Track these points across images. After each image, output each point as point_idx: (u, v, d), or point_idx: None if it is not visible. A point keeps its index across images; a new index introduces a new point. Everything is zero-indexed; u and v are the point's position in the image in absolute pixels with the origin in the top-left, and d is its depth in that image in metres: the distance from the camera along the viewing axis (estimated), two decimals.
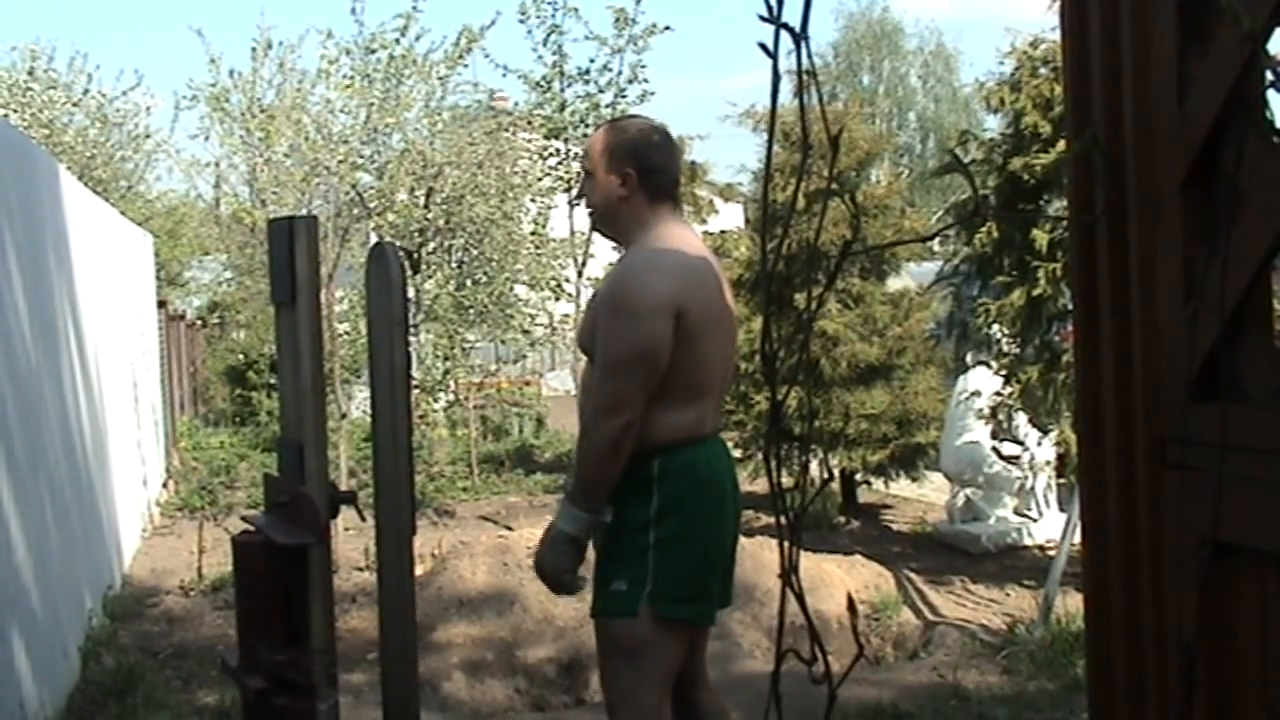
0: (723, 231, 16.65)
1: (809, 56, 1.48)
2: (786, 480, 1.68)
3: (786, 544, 1.62)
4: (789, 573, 1.63)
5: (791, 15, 1.49)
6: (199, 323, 25.64)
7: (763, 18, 1.48)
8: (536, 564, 4.12)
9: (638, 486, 3.93)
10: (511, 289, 15.38)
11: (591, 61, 13.23)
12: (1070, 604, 7.36)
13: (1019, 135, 8.61)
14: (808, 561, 8.10)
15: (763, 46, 1.49)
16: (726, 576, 4.19)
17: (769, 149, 1.62)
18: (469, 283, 15.05)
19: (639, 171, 4.02)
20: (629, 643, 3.98)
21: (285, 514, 2.97)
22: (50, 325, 7.37)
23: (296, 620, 2.94)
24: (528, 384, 20.69)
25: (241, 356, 21.66)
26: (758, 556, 8.25)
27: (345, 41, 11.88)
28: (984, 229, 8.61)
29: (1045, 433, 9.76)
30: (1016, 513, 11.07)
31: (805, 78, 1.46)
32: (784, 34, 1.48)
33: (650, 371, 3.84)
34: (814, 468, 12.11)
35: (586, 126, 13.26)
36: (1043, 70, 8.68)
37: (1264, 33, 1.76)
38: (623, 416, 3.83)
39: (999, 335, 9.35)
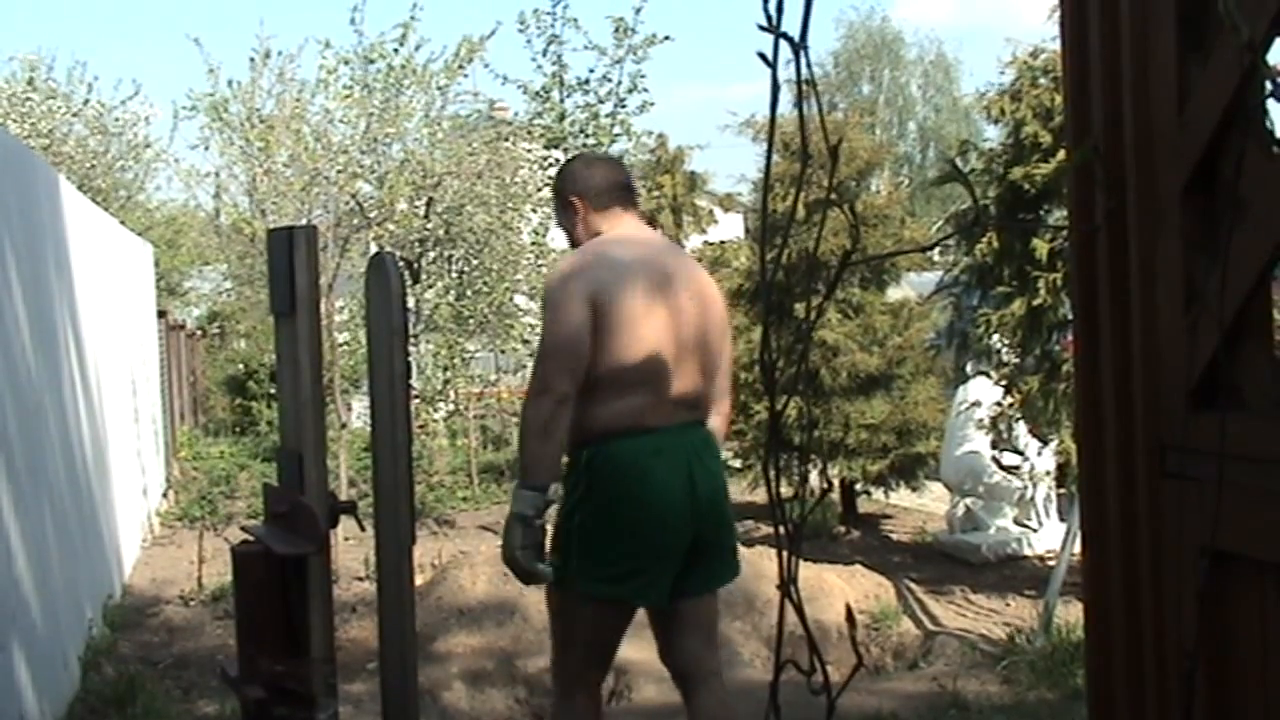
0: (723, 241, 16.66)
1: (808, 66, 1.48)
2: (786, 490, 1.68)
3: (785, 554, 1.62)
4: (788, 583, 1.63)
5: (791, 25, 1.49)
6: (199, 332, 25.64)
7: (762, 27, 1.48)
8: (502, 554, 4.35)
9: (572, 474, 4.31)
10: (511, 299, 15.37)
11: (591, 71, 13.27)
12: (1071, 614, 7.36)
13: (1019, 145, 8.62)
14: (808, 571, 8.09)
15: (762, 56, 1.49)
16: (696, 564, 4.40)
17: (768, 158, 1.62)
18: (469, 293, 15.04)
19: (580, 195, 4.47)
20: (555, 611, 4.50)
21: (285, 524, 2.97)
22: (50, 335, 7.37)
23: (296, 630, 2.94)
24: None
25: (241, 366, 21.68)
26: (758, 566, 8.24)
27: (344, 51, 11.90)
28: (984, 239, 8.62)
29: (1045, 443, 9.75)
30: (1017, 523, 11.07)
31: (804, 87, 1.46)
32: (783, 43, 1.48)
33: (571, 355, 4.14)
34: (814, 478, 12.10)
35: (586, 136, 13.28)
36: (1043, 80, 8.68)
37: (1264, 42, 1.76)
38: (549, 396, 4.12)
39: (999, 345, 9.35)
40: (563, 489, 4.30)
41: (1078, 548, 2.68)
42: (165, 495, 13.99)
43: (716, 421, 4.56)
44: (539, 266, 15.04)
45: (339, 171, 11.18)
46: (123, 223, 14.11)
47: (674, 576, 4.36)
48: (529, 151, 14.40)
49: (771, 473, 1.64)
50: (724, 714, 4.58)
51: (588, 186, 4.49)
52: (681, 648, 4.54)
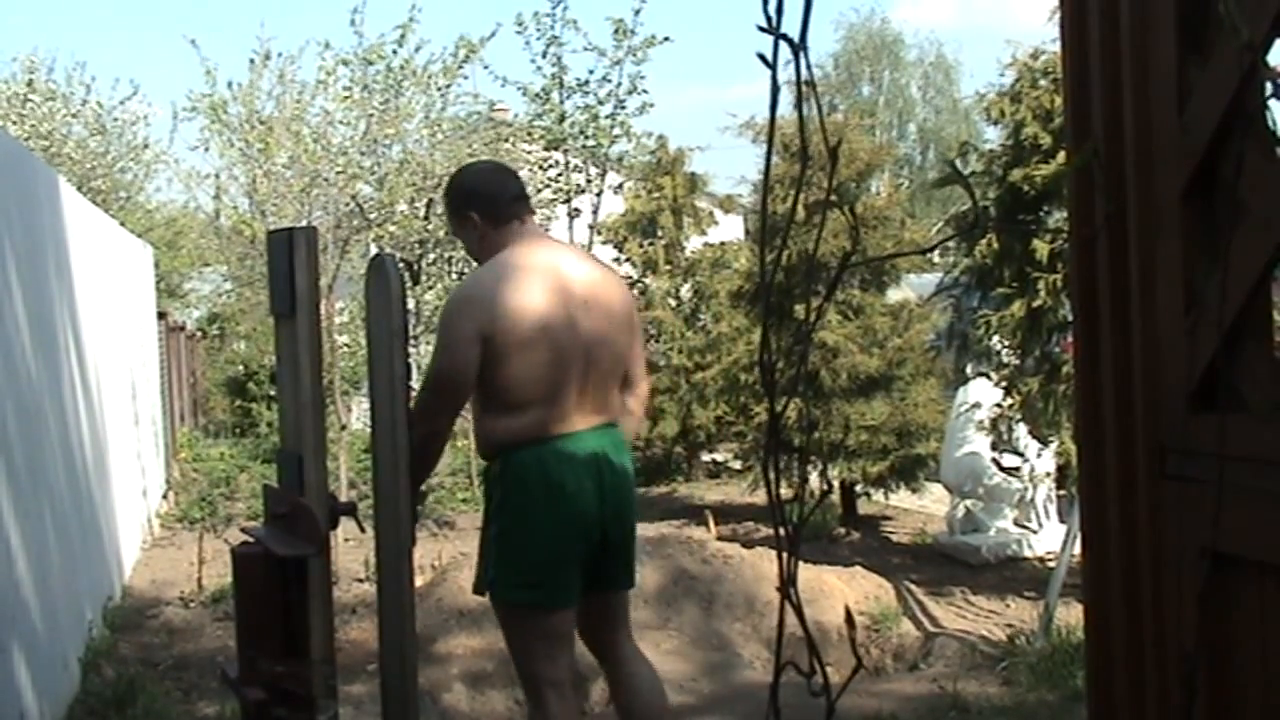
0: (723, 243, 16.66)
1: (808, 68, 1.48)
2: (786, 492, 1.68)
3: (785, 555, 1.62)
4: (787, 584, 1.63)
5: (791, 26, 1.49)
6: (199, 334, 25.64)
7: (761, 28, 1.47)
8: None
9: (489, 485, 4.55)
10: None
11: (591, 73, 13.27)
12: (1071, 615, 7.35)
13: (1019, 146, 8.61)
14: (808, 573, 8.09)
15: (761, 57, 1.49)
16: (609, 560, 4.59)
17: (768, 160, 1.62)
18: None
19: (476, 210, 4.54)
20: (499, 618, 4.66)
21: (285, 525, 2.98)
22: (50, 337, 7.37)
23: (296, 631, 2.94)
24: None
25: (241, 368, 21.67)
26: (758, 568, 8.24)
27: (344, 52, 11.89)
28: (984, 240, 8.61)
29: (1045, 444, 9.75)
30: (1016, 524, 11.06)
31: (804, 89, 1.46)
32: (783, 45, 1.48)
33: (452, 393, 4.37)
34: (814, 479, 12.10)
35: (586, 138, 13.28)
36: (1043, 82, 8.68)
37: (1264, 44, 1.76)
38: (422, 428, 4.22)
39: (999, 347, 9.34)
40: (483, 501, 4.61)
41: (1078, 549, 2.68)
42: (165, 497, 13.98)
43: (633, 404, 4.75)
44: None
45: (339, 173, 11.18)
46: (122, 224, 14.12)
47: (585, 575, 4.55)
48: (529, 153, 14.40)
49: (771, 474, 1.64)
50: (646, 677, 4.79)
51: (485, 201, 4.56)
52: (597, 637, 4.79)
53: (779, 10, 1.47)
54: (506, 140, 14.44)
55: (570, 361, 4.39)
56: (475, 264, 4.76)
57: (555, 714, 4.50)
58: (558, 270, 4.48)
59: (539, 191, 14.18)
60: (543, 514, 4.40)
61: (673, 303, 16.33)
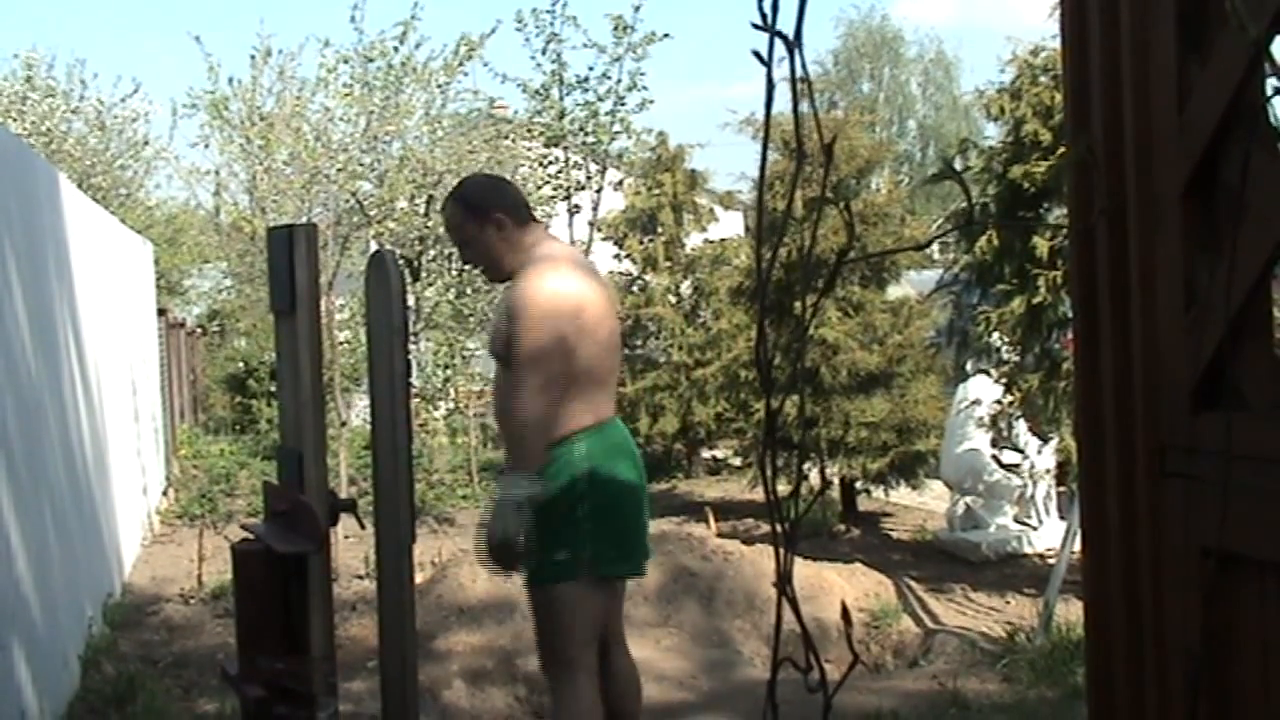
0: (723, 240, 16.66)
1: (803, 65, 1.47)
2: (783, 488, 1.68)
3: (781, 551, 1.62)
4: (784, 580, 1.63)
5: (787, 23, 1.48)
6: (199, 331, 25.63)
7: (756, 25, 1.47)
8: (486, 541, 4.55)
9: (567, 467, 4.53)
10: None
11: (591, 69, 13.27)
12: (1071, 612, 7.35)
13: (1019, 143, 8.62)
14: (808, 570, 8.09)
15: (756, 54, 1.49)
16: (645, 535, 4.92)
17: (763, 156, 1.62)
18: (469, 290, 15.03)
19: (504, 210, 4.67)
20: (564, 604, 4.59)
21: (285, 522, 2.97)
22: (50, 333, 7.37)
23: (296, 628, 2.94)
24: None
25: (241, 364, 21.65)
26: (758, 564, 8.24)
27: (345, 49, 11.92)
28: (984, 237, 8.61)
29: (1045, 441, 9.75)
30: (1017, 521, 11.06)
31: (799, 85, 1.46)
32: (780, 42, 1.48)
33: (560, 361, 4.43)
34: (814, 476, 12.09)
35: (586, 134, 13.28)
36: (1043, 78, 8.68)
37: (1266, 41, 1.76)
38: (544, 396, 4.42)
39: (999, 343, 9.34)
40: (552, 483, 4.61)
41: (1078, 546, 2.68)
42: (165, 493, 13.98)
43: None
44: None
45: (339, 169, 11.19)
46: (123, 221, 14.11)
47: None
48: (529, 150, 14.40)
49: (768, 471, 1.64)
50: (631, 669, 4.97)
51: (510, 202, 4.75)
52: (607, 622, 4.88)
53: (774, 7, 1.47)
54: (506, 137, 14.46)
55: (611, 354, 4.69)
56: (485, 268, 4.84)
57: (588, 698, 4.61)
58: (589, 267, 4.87)
59: (539, 188, 14.19)
60: (628, 487, 4.64)
61: (673, 299, 16.33)
